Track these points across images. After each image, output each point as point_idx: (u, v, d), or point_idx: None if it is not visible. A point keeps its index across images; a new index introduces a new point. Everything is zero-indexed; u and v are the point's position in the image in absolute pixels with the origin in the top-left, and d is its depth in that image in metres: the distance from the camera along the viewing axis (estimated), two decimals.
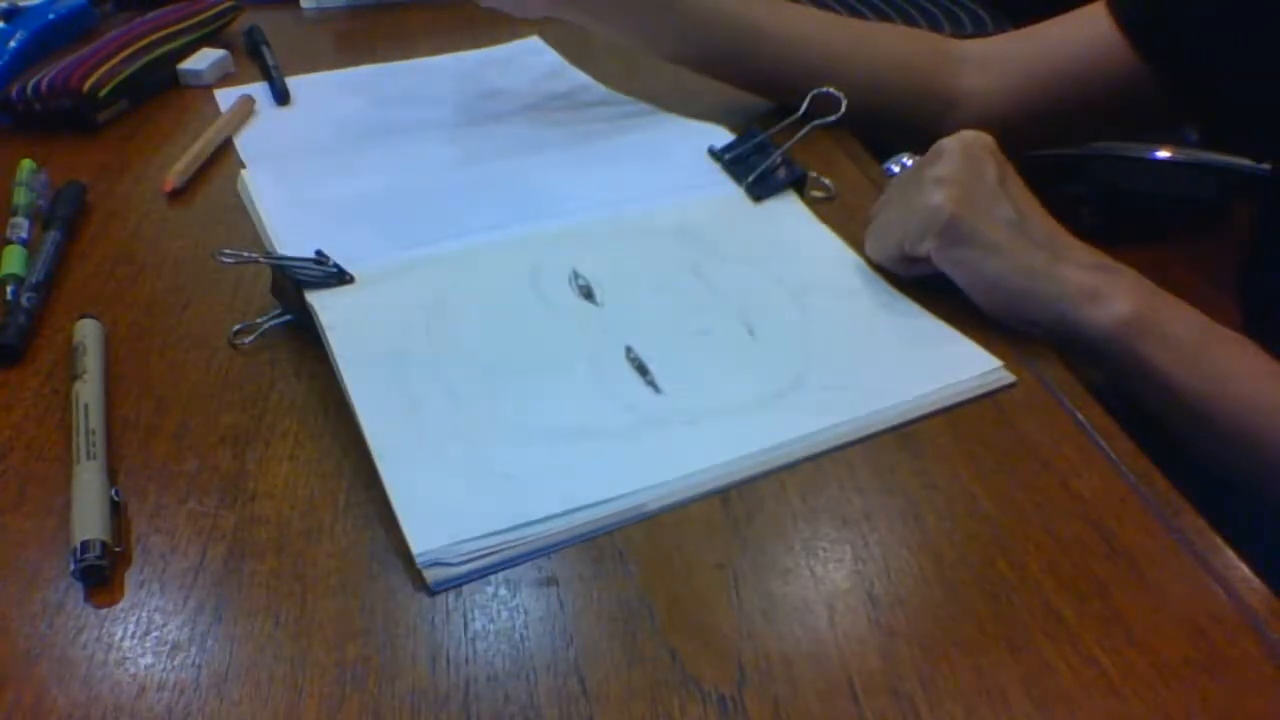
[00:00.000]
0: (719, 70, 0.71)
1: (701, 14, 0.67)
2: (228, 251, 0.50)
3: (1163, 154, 1.18)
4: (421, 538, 0.38)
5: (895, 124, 0.71)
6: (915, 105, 0.70)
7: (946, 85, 0.70)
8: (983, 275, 0.49)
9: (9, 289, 0.54)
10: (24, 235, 0.59)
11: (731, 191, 0.62)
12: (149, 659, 0.35)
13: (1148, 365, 0.47)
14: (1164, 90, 0.63)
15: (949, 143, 0.52)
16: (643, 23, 0.68)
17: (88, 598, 0.38)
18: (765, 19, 0.68)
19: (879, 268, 0.55)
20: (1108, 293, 0.48)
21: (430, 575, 0.38)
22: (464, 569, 0.38)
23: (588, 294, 0.52)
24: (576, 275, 0.53)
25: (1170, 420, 0.48)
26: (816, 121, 0.62)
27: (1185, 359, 0.47)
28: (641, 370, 0.47)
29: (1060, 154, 1.22)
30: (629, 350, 0.48)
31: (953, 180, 0.50)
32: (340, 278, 0.51)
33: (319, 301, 0.49)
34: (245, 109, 0.76)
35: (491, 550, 0.39)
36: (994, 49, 0.70)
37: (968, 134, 0.52)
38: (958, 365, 0.48)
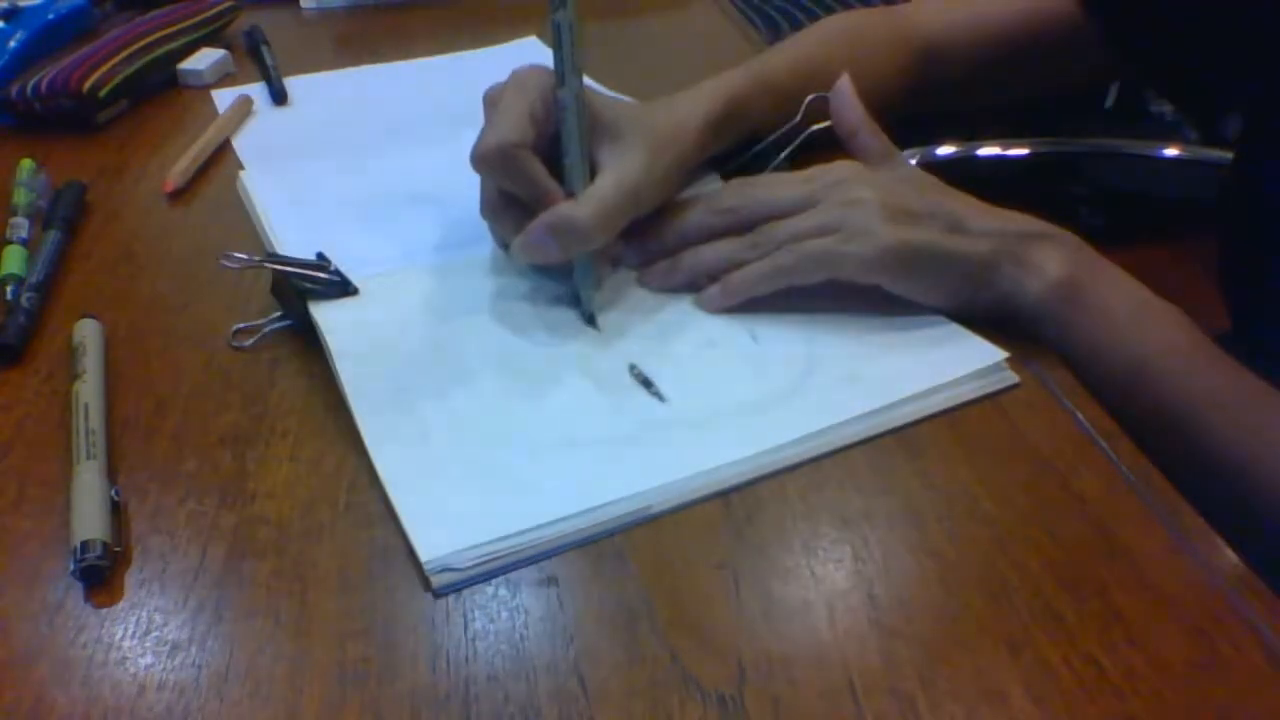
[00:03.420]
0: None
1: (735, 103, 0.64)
2: (232, 255, 0.50)
3: (1164, 153, 1.18)
4: (428, 545, 0.38)
5: (906, 98, 0.71)
6: (900, 77, 0.70)
7: (912, 44, 0.70)
8: (937, 289, 0.50)
9: (9, 289, 0.54)
10: (24, 235, 0.59)
11: None
12: (149, 659, 0.35)
13: (1078, 333, 0.48)
14: (1102, 43, 0.66)
15: (836, 169, 0.52)
16: None
17: (88, 598, 0.38)
18: (777, 72, 0.65)
19: None
20: (1041, 263, 0.49)
21: (437, 580, 0.38)
22: (470, 573, 0.38)
23: (590, 319, 0.51)
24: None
25: (1101, 393, 0.48)
26: (816, 127, 0.62)
27: (1116, 329, 0.48)
28: (646, 384, 0.47)
29: (1060, 153, 1.22)
30: (633, 368, 0.48)
31: (880, 203, 0.49)
32: (344, 288, 0.51)
33: (325, 323, 0.49)
34: (243, 109, 0.76)
35: (499, 555, 0.39)
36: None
37: (845, 164, 0.52)
38: (962, 358, 0.48)
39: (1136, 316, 0.49)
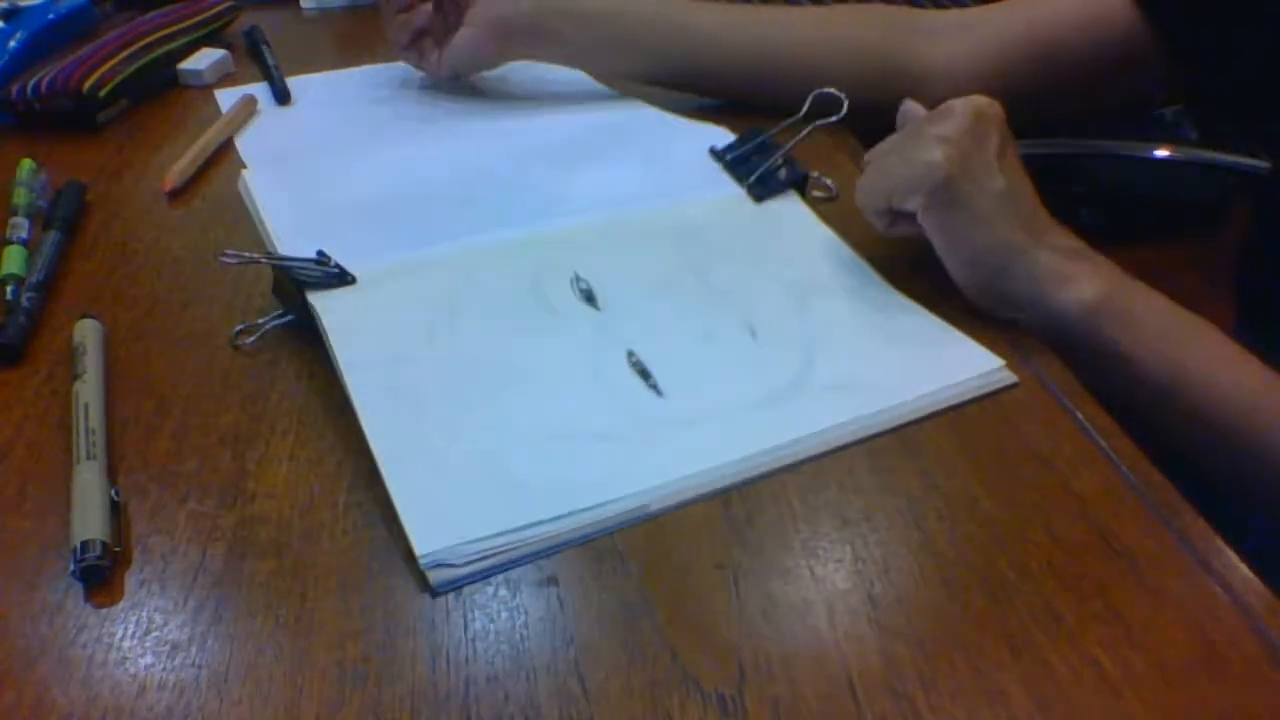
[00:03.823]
0: (671, 79, 0.72)
1: (628, 24, 0.68)
2: (230, 252, 0.50)
3: (1163, 154, 1.18)
4: (424, 539, 0.38)
5: (868, 108, 0.67)
6: (879, 86, 0.66)
7: (910, 60, 0.68)
8: (964, 244, 0.50)
9: (9, 289, 0.54)
10: (24, 235, 0.59)
11: (733, 192, 0.62)
12: (149, 659, 0.35)
13: (1112, 347, 0.48)
14: (1164, 56, 0.61)
15: (959, 104, 0.51)
16: (581, 47, 0.71)
17: (88, 598, 0.38)
18: (691, 18, 0.67)
19: (880, 267, 0.55)
20: (1077, 277, 0.49)
21: (433, 576, 0.38)
22: (466, 570, 0.38)
23: (589, 298, 0.51)
24: (578, 279, 0.53)
25: (1134, 403, 0.48)
26: (819, 121, 0.62)
27: (1149, 341, 0.49)
28: (644, 374, 0.47)
29: (1060, 154, 1.22)
30: (630, 355, 0.48)
31: (955, 142, 0.49)
32: (341, 278, 0.51)
33: (321, 303, 0.49)
34: (248, 109, 0.76)
35: (495, 551, 0.39)
36: (971, 18, 0.69)
37: (980, 100, 0.51)
38: (959, 365, 0.48)
39: (1166, 327, 0.49)
